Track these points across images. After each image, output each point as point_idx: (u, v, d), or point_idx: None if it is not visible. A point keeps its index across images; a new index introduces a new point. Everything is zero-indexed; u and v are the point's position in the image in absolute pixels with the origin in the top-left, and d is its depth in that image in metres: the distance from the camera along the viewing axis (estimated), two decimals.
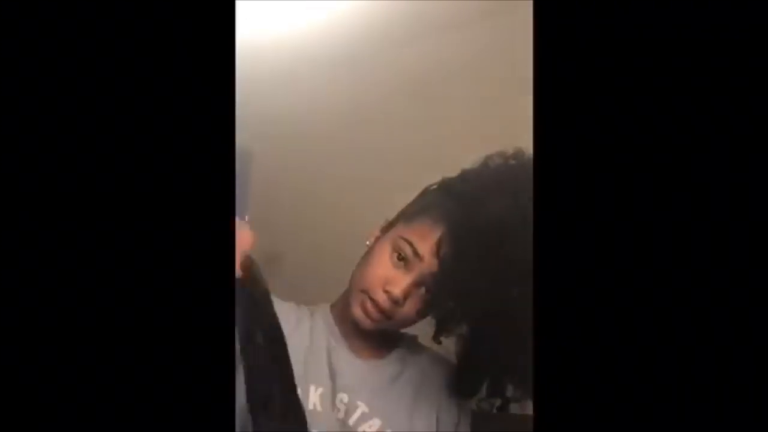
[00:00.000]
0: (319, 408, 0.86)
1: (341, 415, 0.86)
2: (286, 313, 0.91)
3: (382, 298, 0.85)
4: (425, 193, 0.93)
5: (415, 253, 0.85)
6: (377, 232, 0.93)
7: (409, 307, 0.86)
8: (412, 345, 0.96)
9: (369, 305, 0.86)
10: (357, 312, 0.88)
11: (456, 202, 0.85)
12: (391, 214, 0.96)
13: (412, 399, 0.90)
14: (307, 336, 0.90)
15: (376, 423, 0.87)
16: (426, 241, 0.85)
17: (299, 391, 0.82)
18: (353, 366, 0.90)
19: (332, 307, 0.95)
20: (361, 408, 0.88)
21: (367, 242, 0.92)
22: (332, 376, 0.88)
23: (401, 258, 0.86)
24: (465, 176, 0.89)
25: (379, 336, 0.91)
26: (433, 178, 0.95)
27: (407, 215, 0.92)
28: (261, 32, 1.54)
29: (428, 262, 0.84)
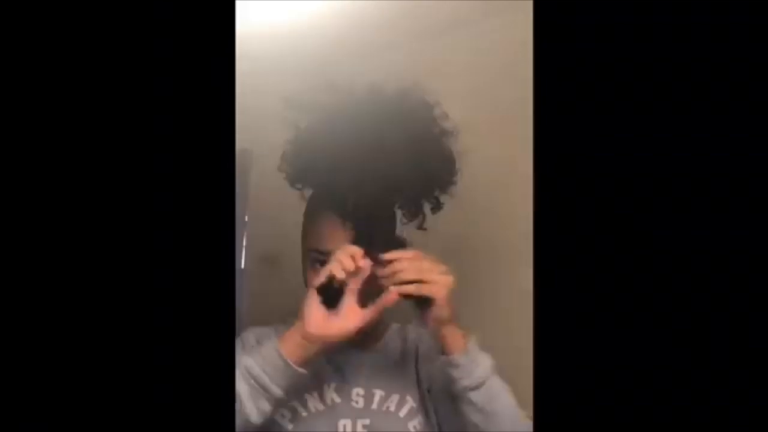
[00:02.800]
0: (337, 399, 0.88)
1: (359, 405, 0.89)
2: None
3: None
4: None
5: (324, 253, 0.85)
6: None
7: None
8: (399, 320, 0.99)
9: None
10: None
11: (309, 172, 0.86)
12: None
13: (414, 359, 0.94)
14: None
15: (395, 399, 0.90)
16: (328, 236, 0.86)
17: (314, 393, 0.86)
18: (359, 358, 0.92)
19: None
20: (378, 393, 0.90)
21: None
22: (341, 372, 0.91)
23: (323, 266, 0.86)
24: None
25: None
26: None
27: (303, 224, 0.93)
28: (261, 32, 1.54)
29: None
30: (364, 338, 0.91)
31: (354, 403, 0.89)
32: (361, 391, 0.90)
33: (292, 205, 0.96)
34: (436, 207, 0.89)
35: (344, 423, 0.88)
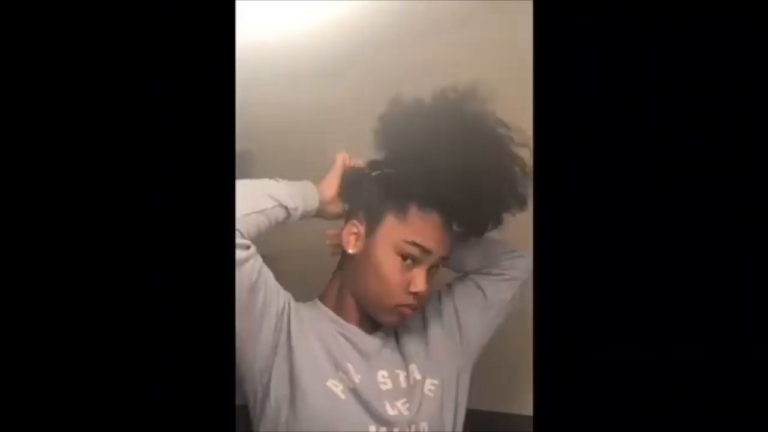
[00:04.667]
0: (358, 381, 0.88)
1: (386, 387, 0.90)
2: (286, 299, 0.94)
3: (411, 299, 0.89)
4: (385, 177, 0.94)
5: (424, 250, 0.88)
6: (354, 239, 0.93)
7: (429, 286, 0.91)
8: None
9: (405, 310, 0.90)
10: (394, 320, 0.92)
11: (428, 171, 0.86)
12: None
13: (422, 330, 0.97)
14: (309, 326, 0.93)
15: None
16: (429, 234, 0.88)
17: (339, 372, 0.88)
18: (373, 343, 0.93)
19: (321, 299, 0.96)
20: (401, 373, 0.92)
21: (351, 250, 0.93)
22: (364, 358, 0.92)
23: (412, 259, 0.89)
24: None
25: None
26: None
27: (396, 212, 0.92)
28: (261, 32, 1.54)
29: (436, 252, 0.89)
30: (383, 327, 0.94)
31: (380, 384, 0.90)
32: (385, 373, 0.91)
33: None
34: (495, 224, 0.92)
35: (382, 373, 0.90)
